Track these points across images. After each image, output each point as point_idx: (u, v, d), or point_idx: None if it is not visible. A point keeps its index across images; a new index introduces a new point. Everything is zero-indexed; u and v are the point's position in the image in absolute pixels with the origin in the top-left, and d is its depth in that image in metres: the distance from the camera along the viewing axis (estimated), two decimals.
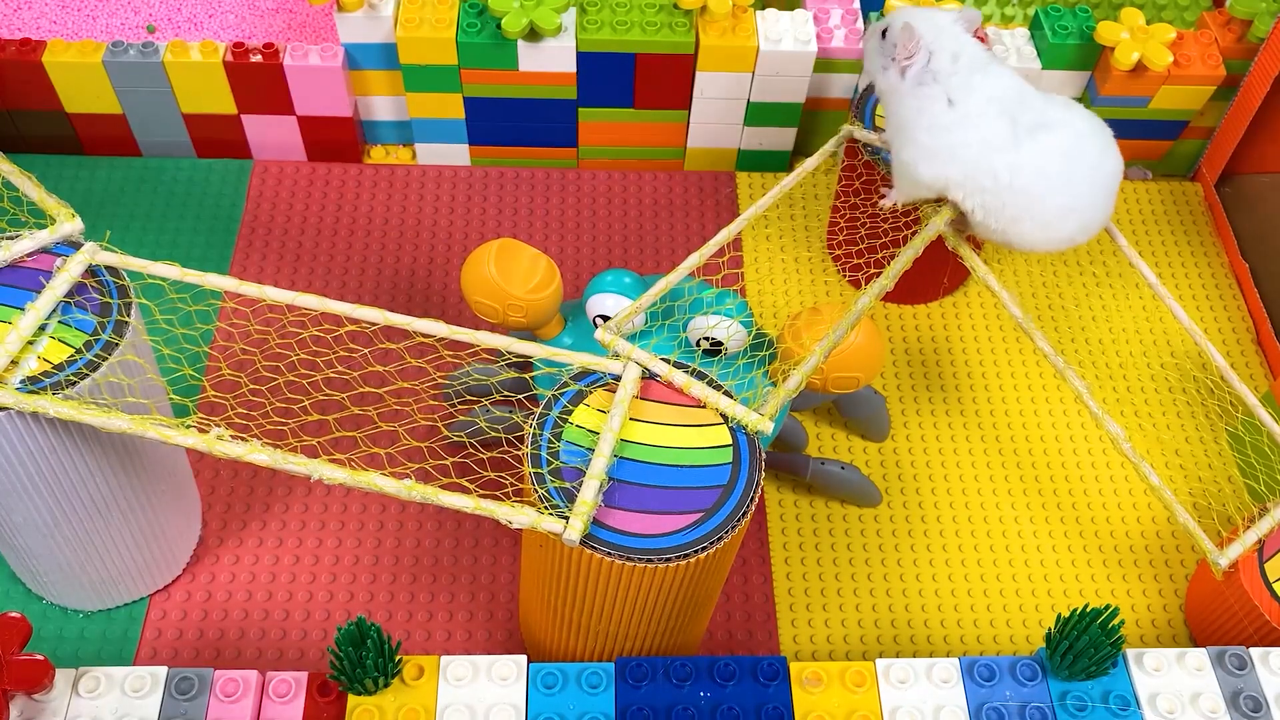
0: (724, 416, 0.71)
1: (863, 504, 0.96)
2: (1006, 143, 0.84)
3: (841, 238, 1.08)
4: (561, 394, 0.71)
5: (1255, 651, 0.73)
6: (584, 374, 0.72)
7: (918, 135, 0.86)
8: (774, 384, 0.86)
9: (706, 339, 0.84)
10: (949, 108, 0.85)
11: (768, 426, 0.70)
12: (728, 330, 0.83)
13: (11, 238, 0.73)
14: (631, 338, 0.84)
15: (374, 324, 0.73)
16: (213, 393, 0.86)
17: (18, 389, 0.67)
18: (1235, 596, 0.84)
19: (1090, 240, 1.13)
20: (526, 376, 0.88)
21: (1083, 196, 0.87)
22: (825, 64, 1.10)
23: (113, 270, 0.74)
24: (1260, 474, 0.95)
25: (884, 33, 0.87)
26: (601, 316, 0.85)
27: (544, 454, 0.68)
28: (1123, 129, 1.14)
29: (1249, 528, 0.85)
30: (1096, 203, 0.88)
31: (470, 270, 0.82)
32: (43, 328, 0.70)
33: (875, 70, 0.88)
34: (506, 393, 0.88)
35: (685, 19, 1.06)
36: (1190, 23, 1.16)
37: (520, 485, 0.69)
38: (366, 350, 0.83)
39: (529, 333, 0.87)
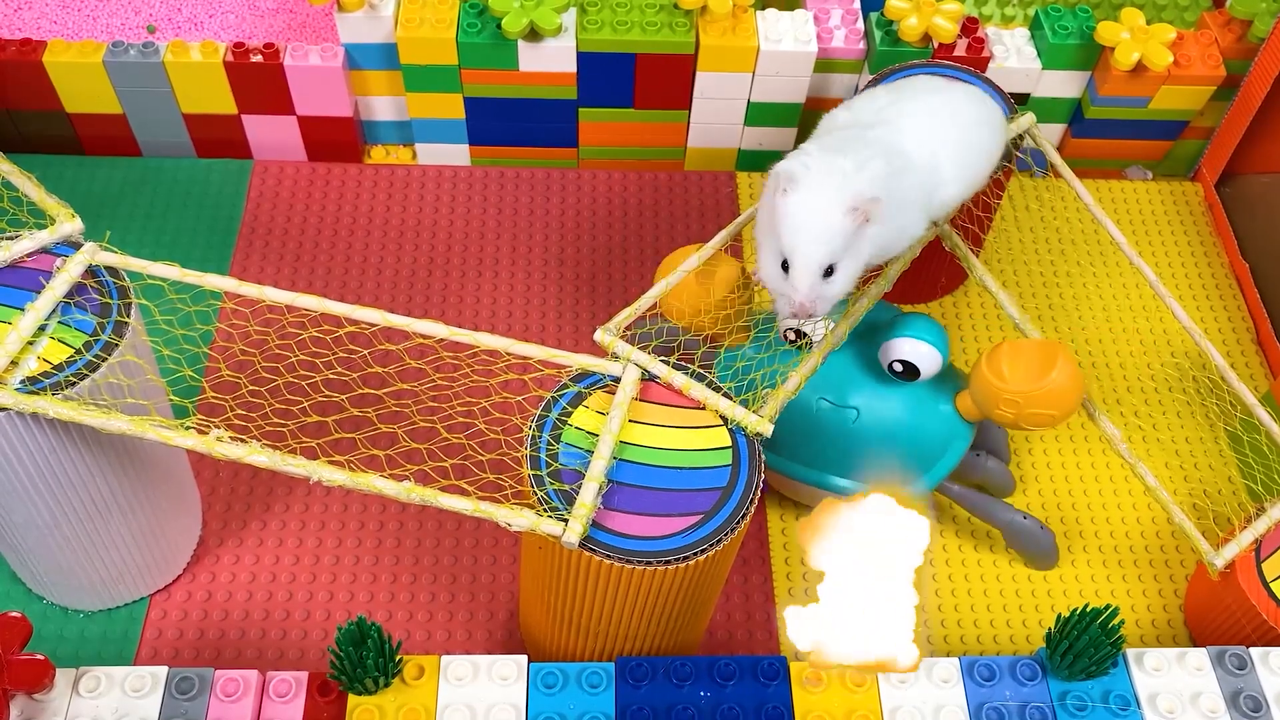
0: (723, 418, 0.71)
1: (1039, 565, 0.93)
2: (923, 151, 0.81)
3: None
4: (560, 396, 0.71)
5: (1255, 651, 0.73)
6: (583, 375, 0.72)
7: (893, 214, 0.78)
8: (959, 416, 0.87)
9: (900, 362, 0.84)
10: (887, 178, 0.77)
11: (767, 428, 0.70)
12: (922, 354, 0.84)
13: (11, 238, 0.73)
14: (828, 363, 0.85)
15: (373, 325, 0.73)
16: (212, 394, 0.87)
17: (17, 389, 0.67)
18: (1233, 596, 0.84)
19: (1091, 239, 1.14)
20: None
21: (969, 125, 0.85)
22: (825, 64, 1.10)
23: (112, 270, 0.74)
24: (1259, 474, 0.95)
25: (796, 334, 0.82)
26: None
27: (543, 456, 0.68)
28: (1123, 129, 1.15)
29: (1245, 528, 0.85)
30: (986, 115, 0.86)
31: (668, 273, 0.80)
32: (42, 328, 0.70)
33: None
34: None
35: (685, 19, 1.06)
36: (1190, 23, 1.16)
37: (520, 487, 0.69)
38: (366, 351, 0.83)
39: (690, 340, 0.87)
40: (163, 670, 0.69)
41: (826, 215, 0.72)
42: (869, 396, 0.87)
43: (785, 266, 0.74)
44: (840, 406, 0.87)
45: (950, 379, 0.89)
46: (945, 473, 0.88)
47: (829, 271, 0.73)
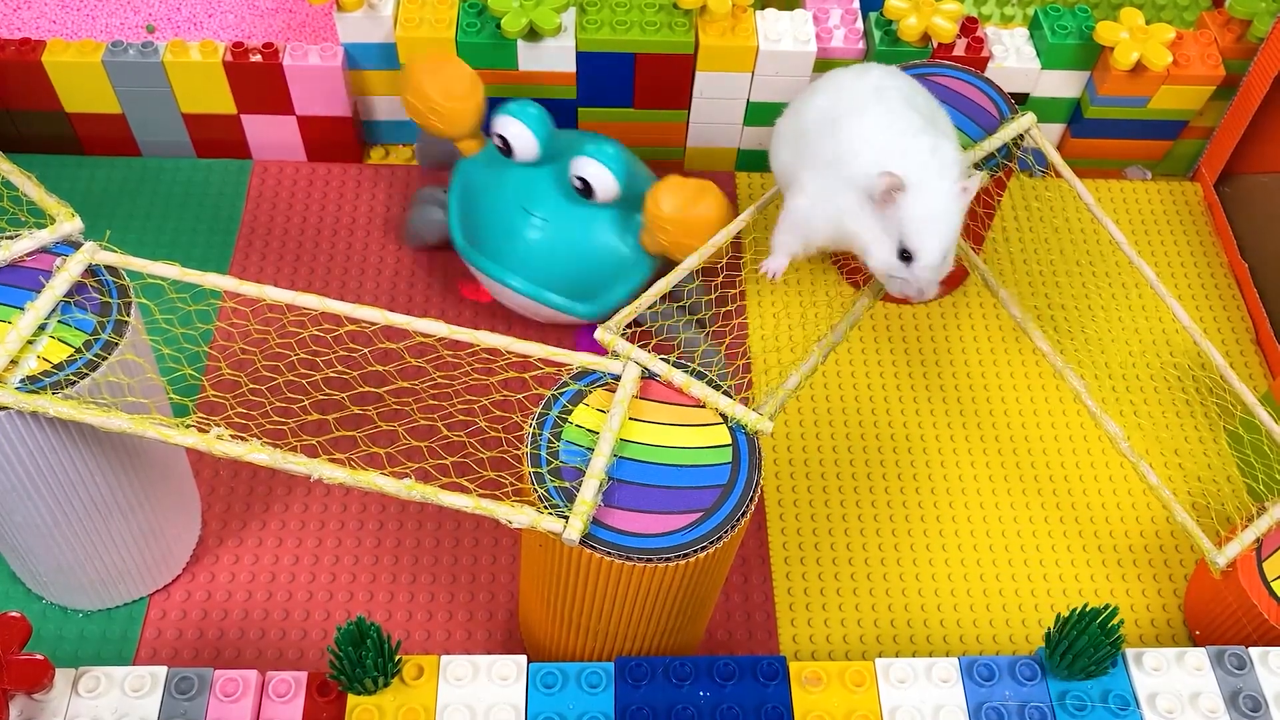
0: (723, 416, 0.71)
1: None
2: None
3: None
4: (561, 394, 0.71)
5: (1254, 651, 0.73)
6: (584, 373, 0.72)
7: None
8: (643, 250, 0.95)
9: (579, 178, 0.93)
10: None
11: (767, 426, 0.70)
12: (594, 174, 0.92)
13: (11, 237, 0.73)
14: (525, 165, 0.95)
15: (374, 324, 0.73)
16: (212, 392, 0.86)
17: (17, 388, 0.67)
18: (1234, 595, 0.84)
19: (1090, 238, 1.14)
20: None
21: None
22: (825, 64, 1.10)
23: (112, 270, 0.74)
24: (1260, 473, 0.95)
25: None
26: (500, 136, 0.95)
27: (544, 453, 0.68)
28: (1122, 129, 1.15)
29: (1247, 527, 0.85)
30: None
31: (406, 72, 0.95)
32: (42, 327, 0.70)
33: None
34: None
35: (685, 19, 1.06)
36: (1190, 23, 1.16)
37: (520, 485, 0.69)
38: (366, 350, 0.83)
39: (450, 143, 1.01)
40: (162, 670, 0.69)
41: (948, 204, 0.74)
42: (560, 211, 0.95)
43: (904, 256, 0.75)
44: (533, 214, 0.95)
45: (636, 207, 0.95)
46: (620, 298, 0.95)
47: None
